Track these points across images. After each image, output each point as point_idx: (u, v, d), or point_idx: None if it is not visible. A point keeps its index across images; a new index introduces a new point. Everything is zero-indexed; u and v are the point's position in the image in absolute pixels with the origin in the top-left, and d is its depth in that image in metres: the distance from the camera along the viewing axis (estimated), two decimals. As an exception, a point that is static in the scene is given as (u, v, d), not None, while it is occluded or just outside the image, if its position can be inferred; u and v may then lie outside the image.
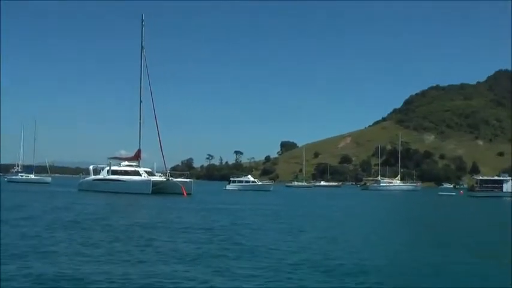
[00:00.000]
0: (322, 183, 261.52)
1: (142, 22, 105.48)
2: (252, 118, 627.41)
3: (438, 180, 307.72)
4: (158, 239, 27.50)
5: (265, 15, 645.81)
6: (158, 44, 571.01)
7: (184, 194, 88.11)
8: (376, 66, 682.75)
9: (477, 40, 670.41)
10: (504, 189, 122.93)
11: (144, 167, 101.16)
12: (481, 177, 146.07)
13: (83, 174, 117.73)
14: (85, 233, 29.68)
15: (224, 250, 23.72)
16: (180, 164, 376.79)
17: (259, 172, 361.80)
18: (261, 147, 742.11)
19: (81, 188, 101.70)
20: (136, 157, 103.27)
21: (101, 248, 23.58)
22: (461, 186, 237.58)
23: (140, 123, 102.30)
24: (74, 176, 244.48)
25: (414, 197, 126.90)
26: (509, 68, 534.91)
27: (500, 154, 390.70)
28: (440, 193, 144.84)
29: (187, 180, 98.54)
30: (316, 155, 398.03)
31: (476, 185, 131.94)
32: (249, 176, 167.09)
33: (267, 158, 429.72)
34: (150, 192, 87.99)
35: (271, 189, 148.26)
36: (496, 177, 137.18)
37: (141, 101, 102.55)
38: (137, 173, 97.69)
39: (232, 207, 62.21)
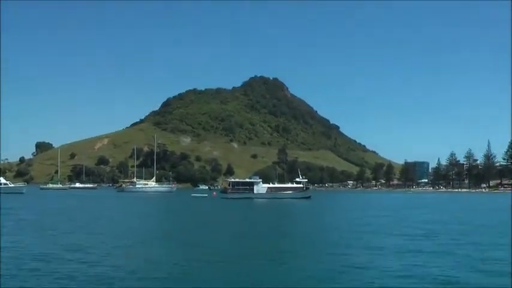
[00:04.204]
0: (78, 185, 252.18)
1: None
2: (6, 117, 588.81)
3: (194, 182, 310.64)
4: None
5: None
6: None
7: None
8: (134, 68, 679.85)
9: (234, 46, 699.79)
10: (255, 191, 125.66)
11: None
12: (232, 179, 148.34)
13: None
14: None
15: None
16: None
17: (13, 174, 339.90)
18: (16, 148, 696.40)
19: None
20: None
21: None
22: (215, 188, 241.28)
23: None
24: None
25: (165, 199, 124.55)
26: (264, 75, 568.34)
27: (254, 156, 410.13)
28: (194, 194, 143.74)
29: None
30: (72, 156, 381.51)
31: (228, 187, 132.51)
32: (1, 178, 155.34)
33: (22, 159, 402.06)
34: None
35: (24, 191, 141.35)
36: (248, 180, 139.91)
37: None
38: None
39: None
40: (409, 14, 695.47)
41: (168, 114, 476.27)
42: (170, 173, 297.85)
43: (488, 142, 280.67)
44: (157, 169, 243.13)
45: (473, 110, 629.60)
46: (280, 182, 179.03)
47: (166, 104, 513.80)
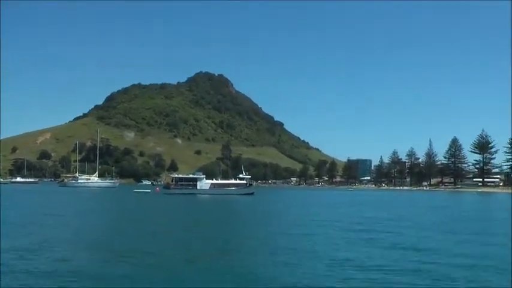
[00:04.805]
0: (19, 179, 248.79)
1: None
2: None
3: (137, 177, 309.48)
4: None
5: None
6: None
7: None
8: (78, 62, 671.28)
9: (180, 41, 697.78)
10: (198, 187, 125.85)
11: None
12: (176, 175, 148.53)
13: None
14: None
15: None
16: None
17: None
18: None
19: None
20: None
21: None
22: (159, 183, 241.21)
23: None
24: None
25: (106, 194, 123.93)
26: (209, 71, 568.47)
27: (198, 152, 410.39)
28: (136, 190, 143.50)
29: None
30: (14, 150, 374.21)
31: (171, 183, 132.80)
32: None
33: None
34: None
35: None
36: (191, 175, 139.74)
37: None
38: None
39: None
40: (350, 13, 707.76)
41: (112, 109, 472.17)
42: (113, 168, 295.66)
43: (430, 141, 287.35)
44: (100, 164, 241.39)
45: (416, 109, 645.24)
46: (224, 178, 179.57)
47: (110, 98, 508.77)
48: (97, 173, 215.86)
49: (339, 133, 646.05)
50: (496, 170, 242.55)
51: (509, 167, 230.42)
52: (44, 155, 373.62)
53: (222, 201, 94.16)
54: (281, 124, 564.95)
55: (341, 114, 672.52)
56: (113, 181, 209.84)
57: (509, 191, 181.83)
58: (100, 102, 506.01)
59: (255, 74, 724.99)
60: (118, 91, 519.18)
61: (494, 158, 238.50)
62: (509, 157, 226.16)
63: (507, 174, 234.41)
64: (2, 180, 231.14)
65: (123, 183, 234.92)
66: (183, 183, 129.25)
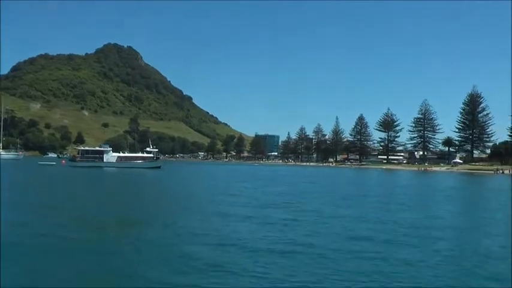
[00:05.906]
0: None
1: None
2: None
3: (43, 149, 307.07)
4: None
5: None
6: None
7: None
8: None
9: (88, 11, 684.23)
10: (105, 160, 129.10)
11: None
12: (82, 148, 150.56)
13: None
14: None
15: None
16: None
17: None
18: None
19: None
20: None
21: None
22: (65, 156, 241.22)
23: None
24: None
25: (8, 166, 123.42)
26: (118, 42, 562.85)
27: (105, 125, 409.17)
28: (41, 162, 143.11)
29: None
30: None
31: (78, 155, 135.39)
32: None
33: None
34: None
35: None
36: (98, 148, 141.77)
37: None
38: None
39: None
40: None
41: (18, 79, 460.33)
42: (18, 140, 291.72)
43: (337, 118, 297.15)
44: (4, 136, 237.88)
45: (322, 87, 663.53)
46: (131, 151, 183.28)
47: (15, 68, 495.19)
48: (1, 144, 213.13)
49: (248, 109, 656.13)
50: (400, 148, 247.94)
51: (412, 145, 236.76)
52: None
53: (127, 174, 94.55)
54: (190, 98, 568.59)
55: (250, 90, 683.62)
56: (17, 153, 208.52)
57: (412, 168, 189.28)
58: (5, 72, 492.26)
59: (164, 47, 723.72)
60: (24, 61, 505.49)
61: (399, 136, 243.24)
62: (413, 135, 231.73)
63: (411, 152, 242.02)
64: None
65: (28, 156, 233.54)
66: (89, 155, 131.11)
